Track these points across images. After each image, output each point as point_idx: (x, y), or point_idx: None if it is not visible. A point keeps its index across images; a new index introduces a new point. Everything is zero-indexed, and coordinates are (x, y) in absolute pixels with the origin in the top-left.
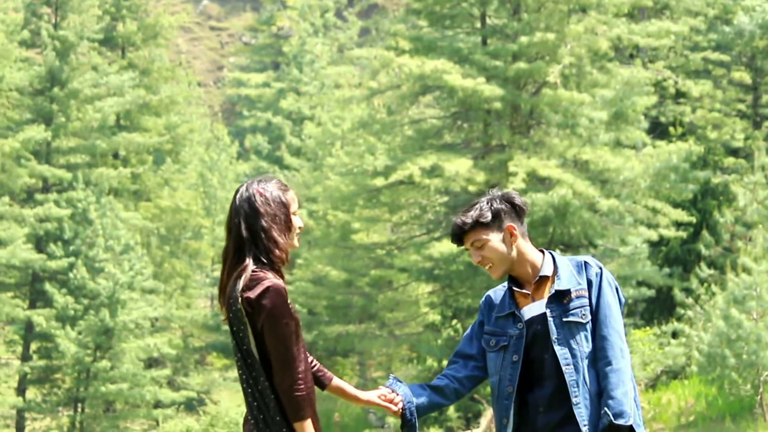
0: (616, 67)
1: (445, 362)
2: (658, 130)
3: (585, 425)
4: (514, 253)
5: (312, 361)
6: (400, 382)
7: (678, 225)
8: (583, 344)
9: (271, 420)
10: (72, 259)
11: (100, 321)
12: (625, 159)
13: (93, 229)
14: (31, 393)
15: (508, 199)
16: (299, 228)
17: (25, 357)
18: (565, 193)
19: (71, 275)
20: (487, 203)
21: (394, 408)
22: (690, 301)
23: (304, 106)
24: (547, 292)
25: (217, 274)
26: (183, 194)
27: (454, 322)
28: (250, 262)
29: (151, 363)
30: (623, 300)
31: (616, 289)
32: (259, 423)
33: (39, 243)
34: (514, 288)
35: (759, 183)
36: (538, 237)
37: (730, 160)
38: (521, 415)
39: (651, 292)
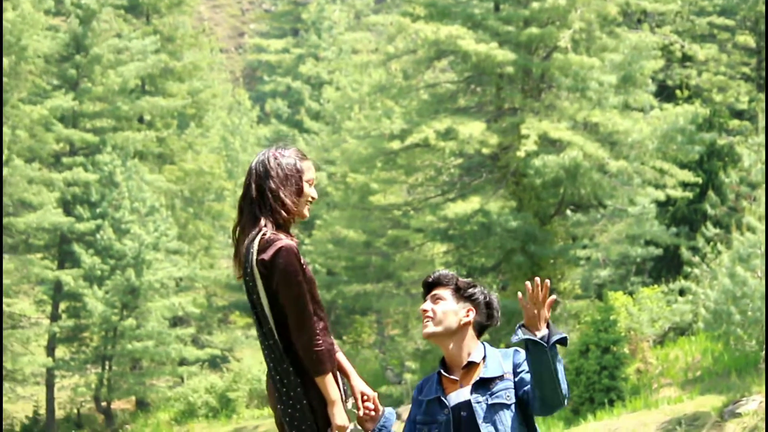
0: (625, 32)
1: None
2: (665, 93)
3: None
4: (455, 329)
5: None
6: (391, 417)
7: (685, 185)
8: (508, 424)
9: (287, 378)
10: (99, 221)
11: (126, 281)
12: (633, 121)
13: (119, 192)
14: (60, 351)
15: (490, 298)
16: (312, 198)
17: (54, 316)
18: (575, 155)
19: (98, 236)
20: (472, 284)
21: (371, 413)
22: (696, 259)
23: (323, 71)
24: (474, 379)
25: None
26: (206, 157)
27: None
28: (265, 225)
29: (176, 322)
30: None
31: None
32: (276, 383)
33: (67, 206)
34: (443, 373)
35: (763, 144)
36: (549, 198)
37: (735, 122)
38: None
39: (658, 251)
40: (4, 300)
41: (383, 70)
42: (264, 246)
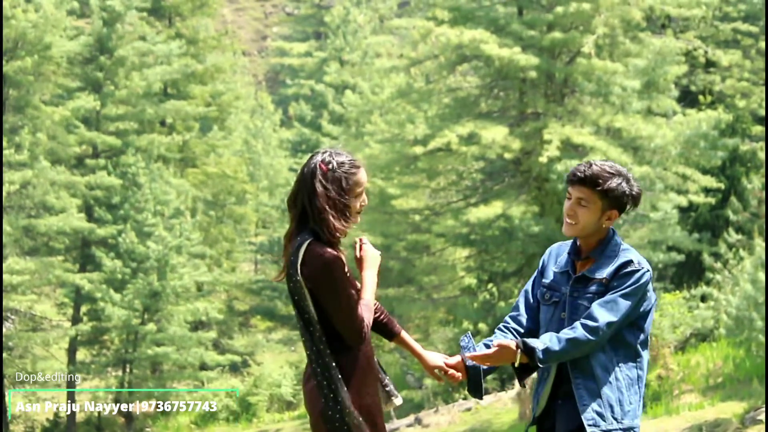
0: (649, 37)
1: (481, 325)
2: (689, 99)
3: (584, 404)
4: (597, 229)
5: (382, 315)
6: (471, 344)
7: (707, 191)
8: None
9: (334, 384)
10: (121, 225)
11: (148, 284)
12: (656, 127)
13: (142, 194)
14: (81, 354)
15: (637, 189)
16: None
17: (75, 319)
18: None
19: (120, 240)
20: (624, 181)
21: (459, 377)
22: (718, 265)
23: (347, 74)
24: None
25: (261, 239)
26: (228, 161)
27: (490, 285)
28: (312, 231)
29: (197, 326)
30: (650, 303)
31: (642, 290)
32: (323, 388)
33: (89, 209)
34: (573, 256)
35: None
36: None
37: (757, 128)
38: (559, 370)
39: (680, 257)
40: (26, 302)
41: (405, 74)
42: (309, 258)
